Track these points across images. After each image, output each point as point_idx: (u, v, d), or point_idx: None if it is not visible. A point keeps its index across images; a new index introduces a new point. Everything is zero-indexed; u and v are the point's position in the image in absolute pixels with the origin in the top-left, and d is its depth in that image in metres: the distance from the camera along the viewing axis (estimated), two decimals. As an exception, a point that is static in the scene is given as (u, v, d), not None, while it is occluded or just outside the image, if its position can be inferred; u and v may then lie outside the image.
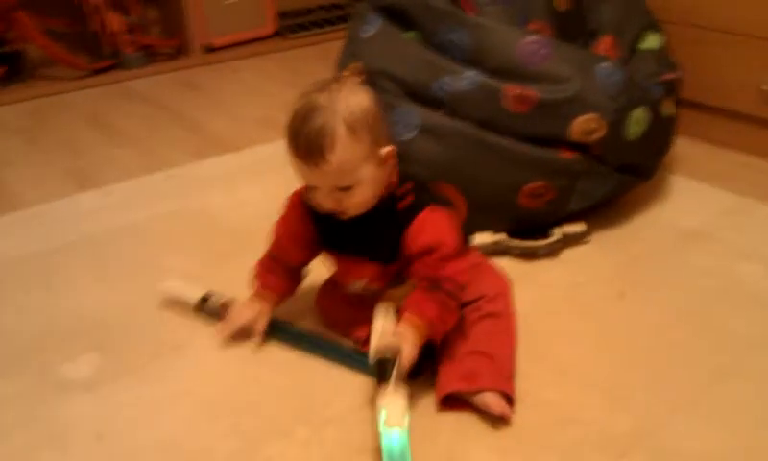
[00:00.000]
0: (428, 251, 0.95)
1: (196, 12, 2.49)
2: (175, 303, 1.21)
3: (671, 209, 1.48)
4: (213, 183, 1.66)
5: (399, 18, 1.40)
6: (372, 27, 1.42)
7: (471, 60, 1.29)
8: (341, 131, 0.91)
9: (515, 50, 1.28)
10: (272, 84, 2.35)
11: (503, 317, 1.05)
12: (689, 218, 1.45)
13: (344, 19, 2.90)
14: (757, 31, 1.61)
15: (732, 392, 1.01)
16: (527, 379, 1.01)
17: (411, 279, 1.00)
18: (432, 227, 0.97)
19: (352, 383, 1.03)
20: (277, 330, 1.12)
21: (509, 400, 0.96)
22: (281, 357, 1.10)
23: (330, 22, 2.88)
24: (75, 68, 2.35)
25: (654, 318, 1.17)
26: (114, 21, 2.33)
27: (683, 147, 1.68)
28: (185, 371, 1.09)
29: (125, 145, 1.92)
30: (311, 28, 2.82)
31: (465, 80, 1.28)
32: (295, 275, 1.14)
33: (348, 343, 1.10)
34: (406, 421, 0.89)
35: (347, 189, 0.94)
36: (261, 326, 1.10)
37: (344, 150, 0.91)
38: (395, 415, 0.88)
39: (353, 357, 1.07)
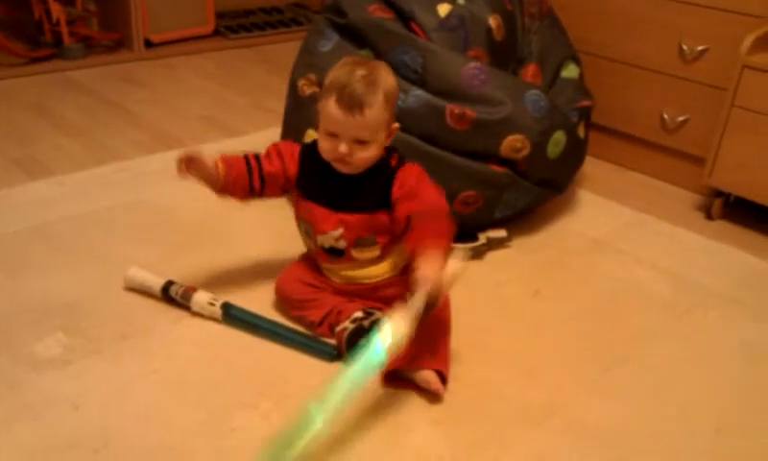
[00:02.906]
0: (414, 187, 1.16)
1: (140, 6, 2.52)
2: (137, 289, 1.30)
3: (580, 221, 1.70)
4: (163, 178, 1.73)
5: (354, 37, 1.54)
6: (330, 42, 1.56)
7: (420, 79, 1.45)
8: (380, 96, 1.13)
9: (459, 74, 1.44)
10: (211, 84, 2.42)
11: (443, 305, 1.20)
12: (596, 228, 1.66)
13: (284, 23, 2.97)
14: (658, 66, 1.84)
15: (627, 373, 1.22)
16: (459, 362, 1.17)
17: (396, 212, 1.16)
18: (415, 174, 1.19)
19: (306, 363, 1.17)
20: (238, 318, 1.24)
21: (443, 379, 1.12)
22: (241, 341, 1.21)
23: (271, 25, 2.94)
24: (14, 55, 2.33)
25: (563, 312, 1.36)
26: (57, 11, 2.34)
27: (592, 166, 1.91)
28: (151, 351, 1.18)
29: (69, 135, 1.95)
30: (252, 29, 2.88)
31: (412, 97, 1.43)
32: (249, 187, 1.23)
33: (301, 328, 1.24)
34: (390, 342, 0.98)
35: (363, 143, 1.14)
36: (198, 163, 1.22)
37: (377, 111, 1.13)
38: (387, 334, 0.99)
39: (305, 342, 1.20)
